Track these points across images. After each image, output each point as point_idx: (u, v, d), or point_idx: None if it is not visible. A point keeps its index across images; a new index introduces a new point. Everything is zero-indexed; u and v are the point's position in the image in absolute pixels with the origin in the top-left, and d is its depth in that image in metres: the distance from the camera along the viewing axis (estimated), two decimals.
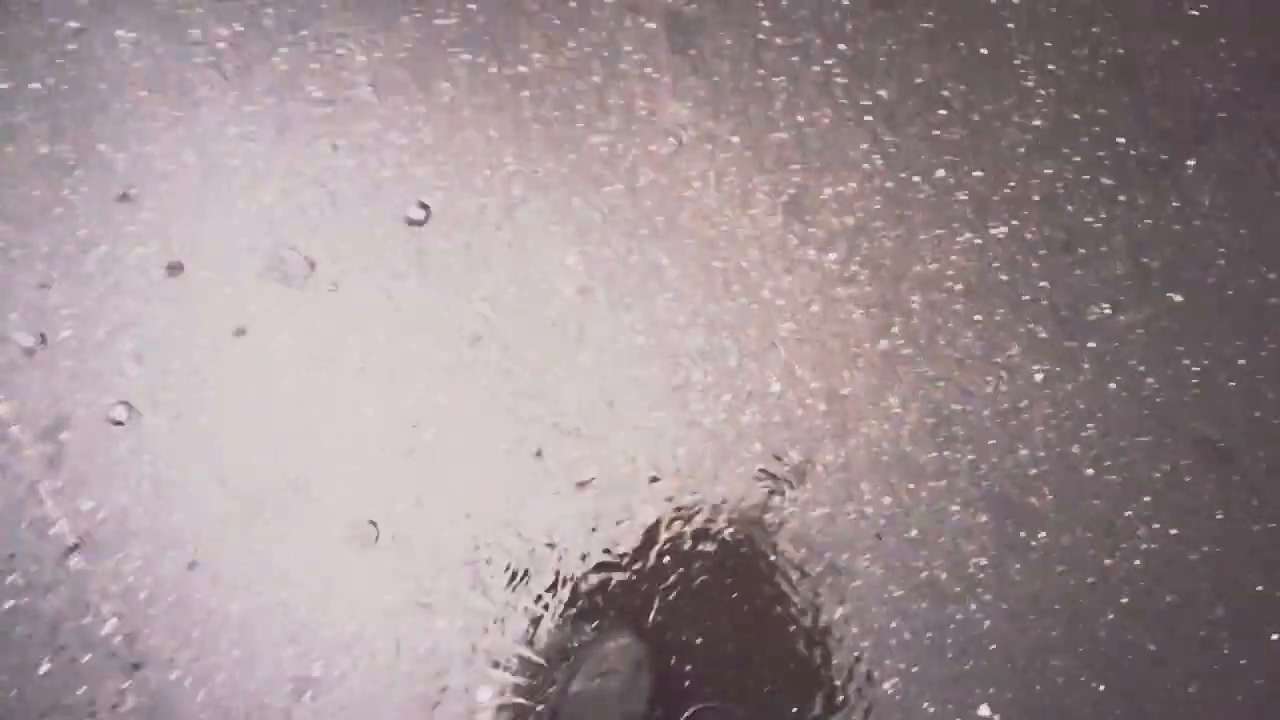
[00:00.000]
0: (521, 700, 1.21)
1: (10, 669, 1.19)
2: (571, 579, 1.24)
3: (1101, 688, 1.22)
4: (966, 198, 1.33)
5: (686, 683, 1.22)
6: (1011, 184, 1.34)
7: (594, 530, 1.25)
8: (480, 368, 1.27)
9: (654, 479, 1.26)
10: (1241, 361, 1.31)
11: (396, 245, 1.29)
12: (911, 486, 1.27)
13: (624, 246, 1.31)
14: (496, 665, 1.21)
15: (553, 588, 1.23)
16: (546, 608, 1.22)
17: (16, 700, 1.19)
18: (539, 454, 1.26)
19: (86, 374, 1.25)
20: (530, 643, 1.22)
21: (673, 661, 1.22)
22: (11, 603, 1.21)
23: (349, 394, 1.28)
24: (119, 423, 1.25)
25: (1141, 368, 1.31)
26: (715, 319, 1.31)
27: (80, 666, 1.20)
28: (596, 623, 1.22)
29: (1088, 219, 1.34)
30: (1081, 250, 1.34)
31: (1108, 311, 1.33)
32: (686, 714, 1.18)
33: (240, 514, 1.24)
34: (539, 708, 1.20)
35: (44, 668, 1.20)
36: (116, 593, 1.22)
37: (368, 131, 1.31)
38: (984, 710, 1.22)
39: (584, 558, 1.24)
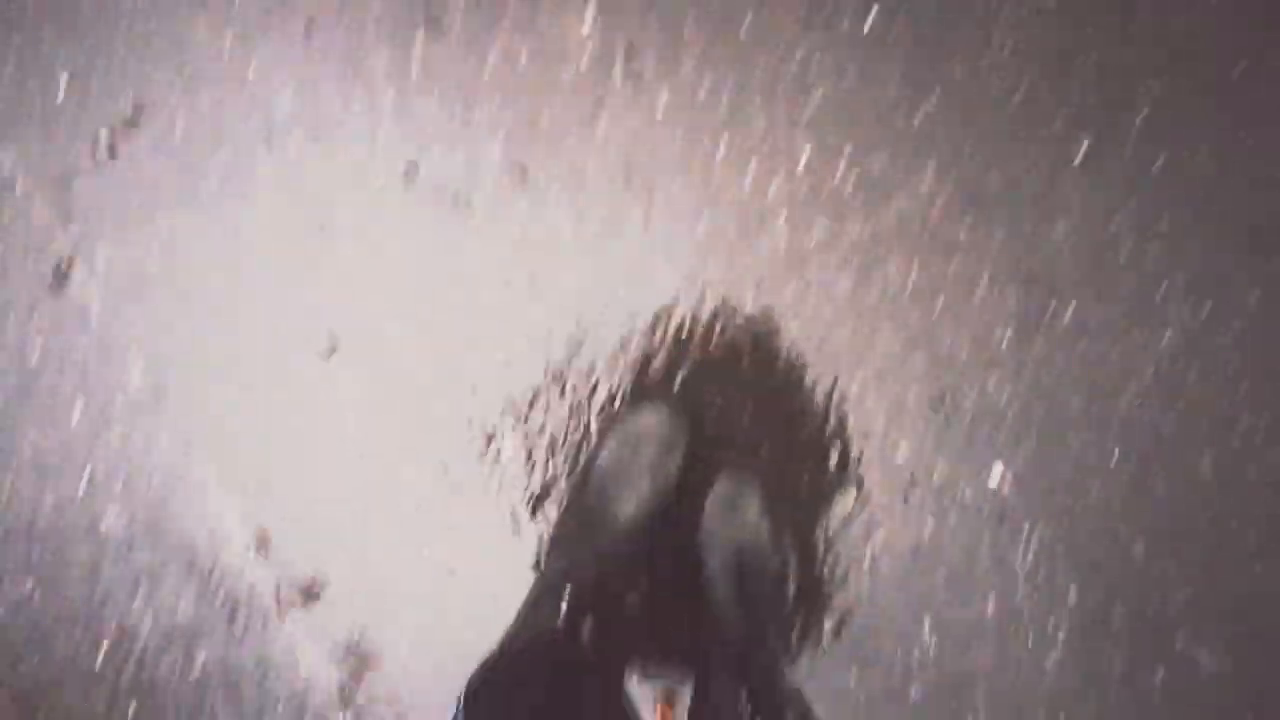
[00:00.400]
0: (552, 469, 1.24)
1: (44, 412, 1.25)
2: (594, 352, 1.25)
3: (1114, 459, 1.23)
4: None
5: (706, 445, 1.25)
6: None
7: (612, 301, 1.25)
8: (488, 128, 1.24)
9: (674, 251, 1.25)
10: None
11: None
12: (940, 260, 1.25)
13: (645, 4, 1.24)
14: (526, 423, 1.24)
15: (575, 359, 1.24)
16: (571, 380, 1.24)
17: (54, 443, 1.25)
18: (555, 222, 1.24)
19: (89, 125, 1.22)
20: (554, 411, 1.24)
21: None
22: (39, 350, 1.25)
23: (364, 159, 1.26)
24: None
25: (1189, 144, 1.25)
26: (742, 84, 1.25)
27: (111, 411, 1.24)
28: (626, 397, 1.24)
29: None
30: (1138, 16, 1.25)
31: (1160, 85, 1.25)
32: (703, 473, 1.21)
33: (255, 261, 1.24)
34: (570, 476, 1.23)
35: (76, 412, 1.25)
36: (140, 342, 1.25)
37: None
38: (996, 474, 1.24)
39: (603, 329, 1.24)
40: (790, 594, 1.16)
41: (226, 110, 1.21)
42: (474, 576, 1.23)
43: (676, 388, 1.23)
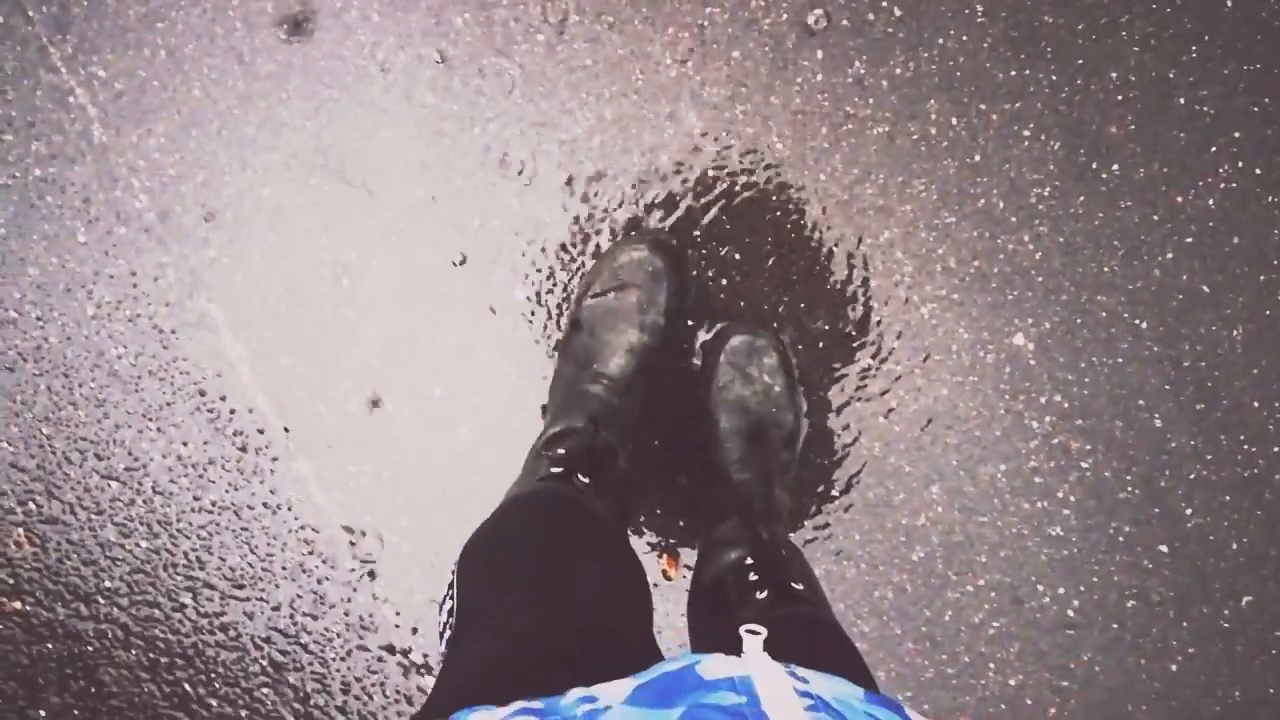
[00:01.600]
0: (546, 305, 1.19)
1: (48, 237, 1.18)
2: (612, 188, 1.17)
3: (1144, 325, 1.19)
4: None
5: (722, 296, 1.19)
6: None
7: (637, 137, 1.16)
8: None
9: (702, 84, 1.15)
10: None
11: None
12: (983, 107, 1.16)
13: None
14: (529, 267, 1.18)
15: (594, 199, 1.17)
16: (583, 209, 1.17)
17: (60, 268, 1.19)
18: (572, 50, 1.14)
19: None
20: (564, 248, 1.18)
21: (710, 275, 1.19)
22: (39, 171, 1.17)
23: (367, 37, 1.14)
24: None
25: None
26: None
27: (117, 239, 1.18)
28: (622, 233, 1.17)
29: None
30: None
31: None
32: (719, 326, 1.16)
33: (269, 88, 1.15)
34: (561, 316, 1.19)
35: (81, 238, 1.18)
36: (144, 168, 1.17)
37: None
38: (1019, 339, 1.19)
39: (624, 169, 1.17)
40: (798, 454, 1.14)
41: None
42: (482, 429, 1.20)
43: (682, 232, 1.17)
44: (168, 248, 1.15)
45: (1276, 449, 1.20)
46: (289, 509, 1.19)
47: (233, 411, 1.17)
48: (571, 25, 1.15)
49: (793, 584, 0.91)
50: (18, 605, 1.16)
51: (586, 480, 0.95)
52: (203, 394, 1.17)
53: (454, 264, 1.17)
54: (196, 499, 1.18)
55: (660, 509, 1.22)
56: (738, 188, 1.18)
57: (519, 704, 0.47)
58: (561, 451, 0.96)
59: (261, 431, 1.18)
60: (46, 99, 1.13)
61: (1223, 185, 1.17)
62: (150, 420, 1.17)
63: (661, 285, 1.10)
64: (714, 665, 0.47)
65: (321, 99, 1.15)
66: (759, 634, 0.51)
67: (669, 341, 1.13)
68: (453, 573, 0.78)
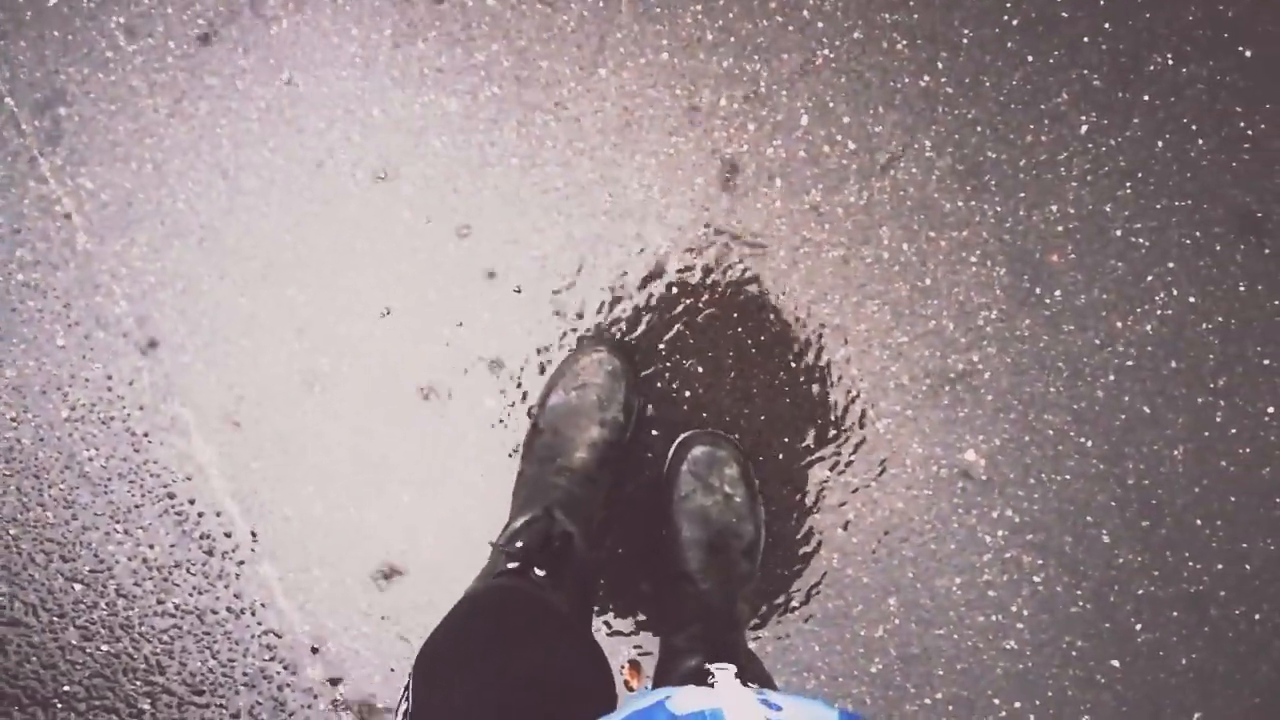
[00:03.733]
0: (510, 410, 1.22)
1: (27, 340, 1.20)
2: (578, 302, 1.21)
3: (1089, 444, 1.22)
4: None
5: (685, 408, 1.23)
6: None
7: (602, 256, 1.21)
8: (487, 71, 1.18)
9: (667, 207, 1.21)
10: None
11: None
12: (932, 234, 1.22)
13: None
14: (498, 371, 1.21)
15: (566, 302, 1.21)
16: (553, 323, 1.21)
17: (37, 370, 1.21)
18: (547, 173, 1.20)
19: (79, 44, 1.16)
20: (534, 354, 1.21)
21: (674, 387, 1.22)
22: (22, 276, 1.20)
23: (359, 90, 1.20)
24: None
25: (1194, 127, 1.21)
26: (746, 39, 1.20)
27: (95, 343, 1.20)
28: (577, 341, 1.21)
29: None
30: None
31: (1170, 62, 1.20)
32: (682, 436, 1.19)
33: (246, 205, 1.20)
34: (528, 415, 1.21)
35: (60, 342, 1.21)
36: (125, 275, 1.20)
37: None
38: (970, 455, 1.23)
39: (591, 284, 1.21)
40: (758, 564, 1.15)
41: (219, 36, 1.14)
42: (446, 535, 1.22)
43: (646, 344, 1.21)
44: (145, 353, 1.17)
45: (1220, 566, 1.23)
46: (252, 614, 1.19)
47: (200, 515, 1.18)
48: (546, 149, 1.20)
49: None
50: None
51: (543, 573, 0.96)
52: (172, 497, 1.18)
53: (420, 389, 1.20)
54: (160, 602, 1.18)
55: (622, 614, 1.22)
56: (700, 304, 1.22)
57: None
58: (518, 545, 0.97)
59: (229, 535, 1.18)
60: (34, 207, 1.16)
61: (1159, 312, 1.22)
62: (118, 523, 1.17)
63: (620, 383, 1.13)
64: (684, 699, 0.46)
65: (301, 213, 1.19)
66: (728, 669, 0.51)
67: (628, 438, 1.15)
68: (409, 675, 0.79)
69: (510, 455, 1.20)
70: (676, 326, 1.20)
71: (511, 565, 0.94)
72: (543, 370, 1.20)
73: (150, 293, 1.16)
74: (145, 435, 1.16)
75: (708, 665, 0.53)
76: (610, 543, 1.19)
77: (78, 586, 1.17)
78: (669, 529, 1.13)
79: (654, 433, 1.21)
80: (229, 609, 1.17)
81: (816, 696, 0.48)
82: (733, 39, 1.18)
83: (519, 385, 1.20)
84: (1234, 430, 1.22)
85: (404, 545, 1.18)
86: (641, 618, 1.22)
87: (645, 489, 1.20)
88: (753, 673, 0.97)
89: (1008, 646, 1.23)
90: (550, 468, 1.09)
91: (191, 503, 1.16)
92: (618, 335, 1.20)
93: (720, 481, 1.13)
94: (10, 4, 1.13)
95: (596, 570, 1.08)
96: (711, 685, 0.52)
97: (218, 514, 1.16)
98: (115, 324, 1.16)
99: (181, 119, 1.16)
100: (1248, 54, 1.19)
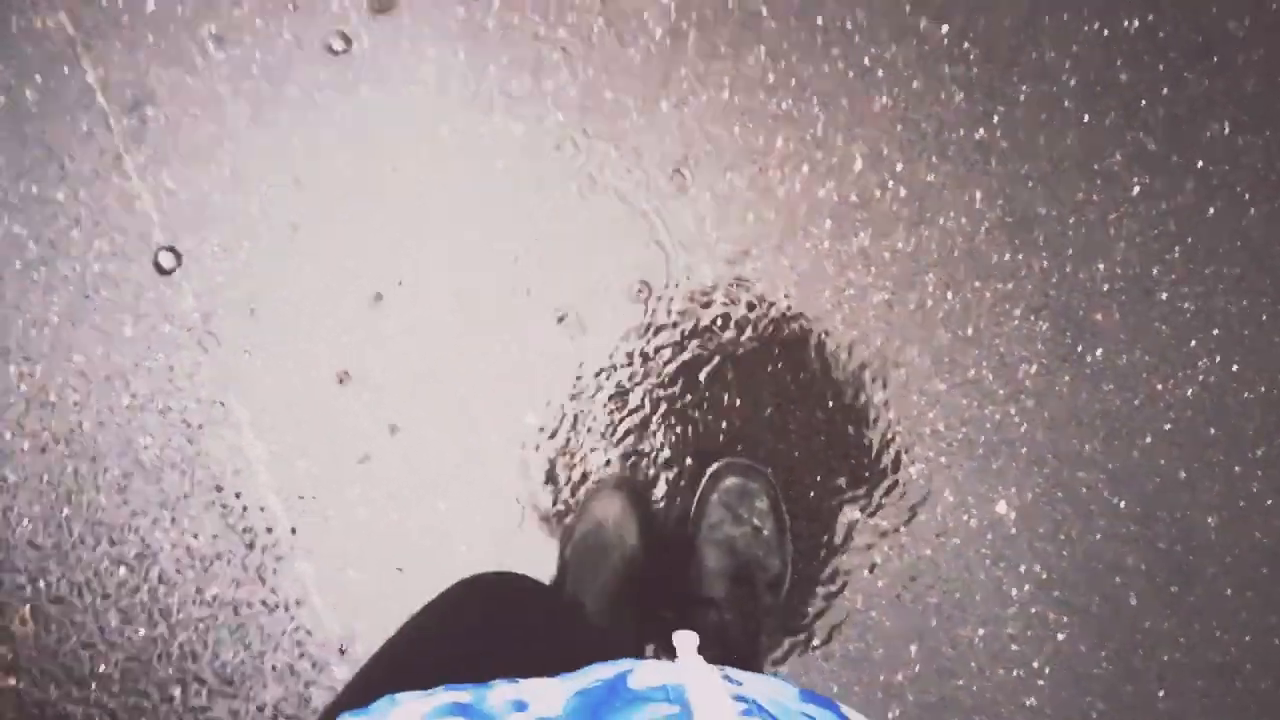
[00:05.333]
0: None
1: (97, 328, 1.22)
2: (625, 330, 1.20)
3: (1122, 504, 1.19)
4: None
5: (721, 439, 1.21)
6: None
7: (654, 284, 1.20)
8: (554, 99, 1.18)
9: (717, 240, 1.20)
10: None
11: None
12: (978, 285, 1.19)
13: None
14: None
15: (607, 336, 1.20)
16: (600, 354, 1.20)
17: (104, 358, 1.22)
18: (605, 201, 1.19)
19: (171, 49, 1.18)
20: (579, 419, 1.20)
21: (710, 419, 1.21)
22: (98, 267, 1.21)
23: (429, 111, 1.21)
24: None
25: (1247, 195, 1.18)
26: (808, 82, 1.19)
27: (161, 335, 1.21)
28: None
29: (1231, 23, 1.16)
30: (1215, 58, 1.17)
31: (1227, 130, 1.18)
32: (715, 465, 1.17)
33: (315, 214, 1.20)
34: (577, 448, 1.20)
35: (128, 331, 1.22)
36: (195, 272, 1.22)
37: None
38: (1001, 507, 1.19)
39: (636, 313, 1.20)
40: (782, 600, 1.13)
41: (302, 48, 1.16)
42: (483, 549, 1.20)
43: (687, 373, 1.19)
44: (206, 347, 1.18)
45: (1248, 638, 1.18)
46: (286, 610, 1.18)
47: (245, 509, 1.18)
48: (606, 177, 1.20)
49: None
50: (11, 682, 1.14)
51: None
52: (219, 489, 1.18)
53: (461, 401, 1.19)
54: (199, 591, 1.17)
55: (642, 642, 1.20)
56: (743, 338, 1.20)
57: (446, 694, 0.43)
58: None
59: (270, 530, 1.18)
60: (115, 201, 1.18)
61: (1200, 378, 1.19)
62: (166, 510, 1.17)
63: (628, 515, 1.11)
64: (645, 674, 0.44)
65: (365, 225, 1.19)
66: (691, 637, 0.49)
67: (643, 561, 1.13)
68: None
69: (553, 478, 1.19)
70: (718, 358, 1.19)
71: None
72: (581, 393, 1.19)
73: (218, 291, 1.17)
74: (200, 427, 1.17)
75: (673, 635, 0.50)
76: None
77: (122, 570, 1.17)
78: (695, 557, 1.11)
79: (688, 461, 1.19)
80: (264, 603, 1.17)
81: (776, 675, 0.45)
82: (794, 81, 1.17)
83: (561, 408, 1.19)
84: (1270, 501, 1.17)
85: (439, 551, 1.18)
86: (660, 647, 1.19)
87: (674, 516, 1.18)
88: None
89: (1028, 703, 1.19)
90: (577, 621, 1.07)
91: (238, 496, 1.17)
92: (638, 425, 1.19)
93: (750, 513, 1.11)
94: (111, 7, 1.15)
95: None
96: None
97: (261, 509, 1.16)
98: (181, 319, 1.17)
99: (261, 126, 1.17)
100: None
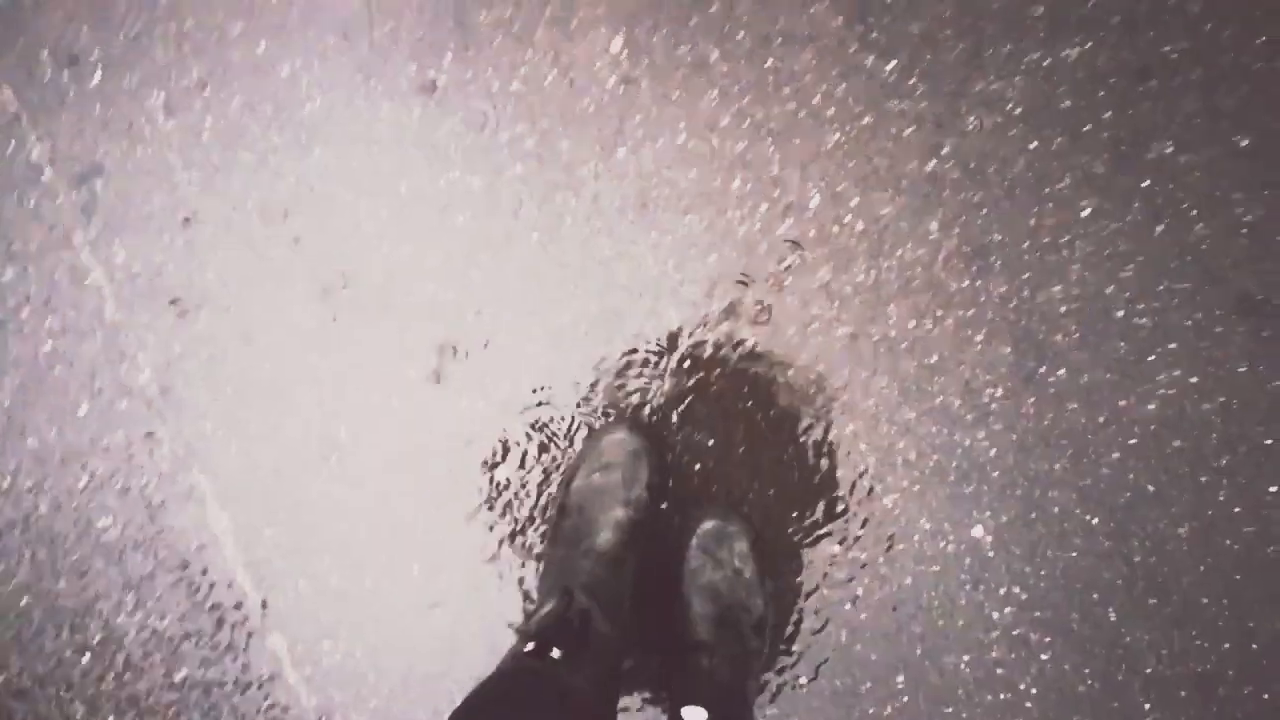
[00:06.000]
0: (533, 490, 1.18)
1: (50, 408, 1.17)
2: (594, 374, 1.18)
3: (1094, 520, 1.18)
4: (1042, 13, 1.17)
5: (695, 480, 1.19)
6: (1093, 2, 1.18)
7: (616, 332, 1.18)
8: (511, 151, 1.17)
9: (681, 283, 1.18)
10: None
11: (437, 12, 1.15)
12: (939, 313, 1.19)
13: (673, 35, 1.17)
14: (516, 447, 1.17)
15: (576, 381, 1.17)
16: (569, 394, 1.17)
17: (58, 439, 1.17)
18: (566, 249, 1.18)
19: (120, 119, 1.15)
20: (539, 429, 1.18)
21: (684, 460, 1.18)
22: (50, 345, 1.17)
23: (387, 169, 1.18)
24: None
25: (1193, 212, 1.19)
26: (760, 123, 1.19)
27: (117, 412, 1.17)
28: (597, 421, 1.18)
29: (1166, 48, 1.18)
30: (1154, 81, 1.19)
31: (1170, 150, 1.19)
32: (693, 511, 1.15)
33: (274, 276, 1.17)
34: (546, 501, 1.17)
35: (83, 409, 1.17)
36: (152, 344, 1.17)
37: None
38: (978, 531, 1.18)
39: (603, 357, 1.18)
40: (768, 640, 1.10)
41: (254, 112, 1.13)
42: (458, 611, 1.17)
43: (659, 417, 1.17)
44: (165, 420, 1.14)
45: (1227, 645, 1.18)
46: (259, 687, 1.13)
47: (213, 585, 1.13)
48: (566, 226, 1.18)
49: None
50: None
51: (560, 653, 0.92)
52: (185, 566, 1.13)
53: (437, 460, 1.16)
54: (167, 675, 1.12)
55: (630, 690, 1.17)
56: (712, 379, 1.19)
57: None
58: (533, 627, 0.94)
59: (239, 606, 1.13)
60: (65, 277, 1.14)
61: (1161, 392, 1.19)
62: (130, 592, 1.12)
63: (643, 462, 1.09)
64: None
65: (326, 284, 1.16)
66: (700, 712, 0.48)
67: (653, 515, 1.11)
68: None
69: (522, 530, 1.16)
70: (688, 400, 1.17)
71: (529, 647, 0.90)
72: (552, 442, 1.17)
73: (175, 362, 1.13)
74: (162, 503, 1.12)
75: (680, 709, 0.49)
76: (638, 622, 1.14)
77: (86, 658, 1.12)
78: (679, 603, 1.09)
79: (663, 506, 1.17)
80: (236, 682, 1.12)
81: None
82: (747, 123, 1.17)
83: (532, 458, 1.16)
84: (1238, 509, 1.17)
85: (412, 615, 1.14)
86: (649, 694, 1.16)
87: (657, 562, 1.15)
88: None
89: None
90: (577, 551, 1.05)
91: (204, 572, 1.12)
92: (632, 410, 1.17)
93: (730, 555, 1.08)
94: (56, 81, 1.12)
95: (622, 649, 1.03)
96: None
97: (229, 584, 1.12)
98: (139, 393, 1.13)
99: (215, 194, 1.14)
100: (1244, 143, 1.18)
